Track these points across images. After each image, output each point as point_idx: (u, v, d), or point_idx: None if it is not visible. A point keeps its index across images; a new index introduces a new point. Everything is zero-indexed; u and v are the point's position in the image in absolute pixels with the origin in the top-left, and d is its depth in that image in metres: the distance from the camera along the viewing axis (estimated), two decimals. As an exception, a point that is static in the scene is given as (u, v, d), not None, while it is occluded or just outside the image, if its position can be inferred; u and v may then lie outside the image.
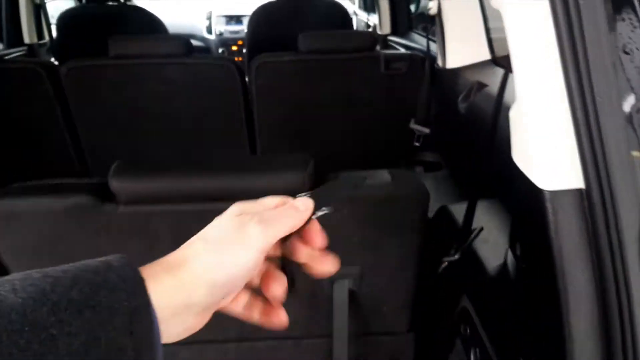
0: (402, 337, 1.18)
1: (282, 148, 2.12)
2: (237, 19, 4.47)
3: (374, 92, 2.04)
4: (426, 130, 2.00)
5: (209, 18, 4.57)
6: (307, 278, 0.50)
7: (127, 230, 0.98)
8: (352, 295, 1.04)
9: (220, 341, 1.26)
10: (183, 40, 1.98)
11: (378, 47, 2.21)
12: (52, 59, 2.87)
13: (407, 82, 2.03)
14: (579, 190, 0.60)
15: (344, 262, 0.50)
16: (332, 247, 0.49)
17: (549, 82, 0.60)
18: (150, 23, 2.85)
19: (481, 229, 0.96)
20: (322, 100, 2.05)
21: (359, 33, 2.98)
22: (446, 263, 0.99)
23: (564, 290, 0.62)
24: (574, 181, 0.60)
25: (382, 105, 2.08)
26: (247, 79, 2.05)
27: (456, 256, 0.91)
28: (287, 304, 0.50)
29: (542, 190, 0.62)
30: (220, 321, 0.47)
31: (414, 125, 2.02)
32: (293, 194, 0.50)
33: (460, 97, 1.66)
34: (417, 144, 2.04)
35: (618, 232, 0.57)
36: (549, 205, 0.61)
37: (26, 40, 2.91)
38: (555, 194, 0.61)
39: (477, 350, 0.98)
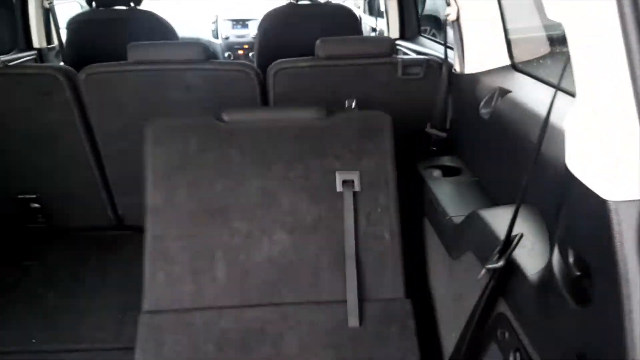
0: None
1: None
2: (243, 23, 4.49)
3: (391, 96, 2.06)
4: (443, 135, 2.02)
5: (215, 22, 4.59)
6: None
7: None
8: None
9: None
10: (202, 46, 1.98)
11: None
12: (61, 64, 2.87)
13: (423, 86, 2.04)
14: (647, 201, 0.61)
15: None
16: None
17: (615, 93, 0.61)
18: (160, 27, 2.85)
19: (522, 236, 0.97)
20: (339, 106, 2.06)
21: (377, 39, 3.00)
22: (485, 271, 1.01)
23: (627, 299, 0.63)
24: (640, 192, 0.61)
25: (398, 109, 2.09)
26: None
27: (500, 263, 0.92)
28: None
29: (605, 200, 0.63)
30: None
31: (430, 130, 2.04)
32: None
33: (482, 103, 1.68)
34: (433, 149, 2.06)
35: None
36: (613, 216, 0.62)
37: (35, 44, 2.91)
38: (620, 204, 0.62)
39: (518, 354, 0.99)
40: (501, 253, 0.94)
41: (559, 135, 0.84)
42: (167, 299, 1.53)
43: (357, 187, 1.60)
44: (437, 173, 1.94)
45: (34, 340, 1.73)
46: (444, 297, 1.66)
